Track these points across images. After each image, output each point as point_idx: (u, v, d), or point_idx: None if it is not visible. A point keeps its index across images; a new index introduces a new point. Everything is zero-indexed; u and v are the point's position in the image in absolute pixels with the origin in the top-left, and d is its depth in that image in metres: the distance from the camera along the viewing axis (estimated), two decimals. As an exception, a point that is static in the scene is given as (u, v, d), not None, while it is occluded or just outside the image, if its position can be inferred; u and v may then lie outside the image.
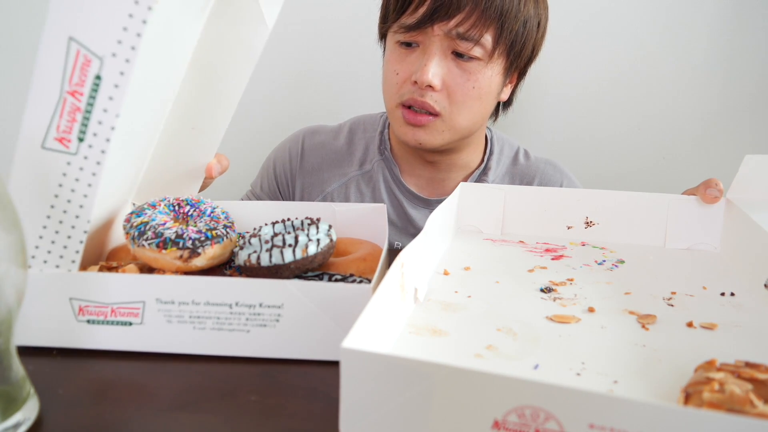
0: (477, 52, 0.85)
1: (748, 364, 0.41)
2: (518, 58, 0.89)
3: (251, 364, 0.51)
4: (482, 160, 1.03)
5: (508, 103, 1.01)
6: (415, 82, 0.86)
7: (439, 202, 0.97)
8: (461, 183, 0.77)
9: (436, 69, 0.85)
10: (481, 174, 1.02)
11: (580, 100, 1.34)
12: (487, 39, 0.84)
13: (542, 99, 1.33)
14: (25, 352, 0.50)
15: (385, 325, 0.46)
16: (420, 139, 0.90)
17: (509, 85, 0.96)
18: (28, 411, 0.42)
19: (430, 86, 0.85)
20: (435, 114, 0.87)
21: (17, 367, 0.42)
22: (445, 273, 0.62)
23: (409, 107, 0.88)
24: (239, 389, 0.47)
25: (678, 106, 1.32)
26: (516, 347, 0.47)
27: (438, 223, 0.64)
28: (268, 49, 1.35)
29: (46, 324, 0.52)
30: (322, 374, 0.49)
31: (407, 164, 1.02)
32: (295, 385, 0.48)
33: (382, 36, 0.95)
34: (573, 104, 1.34)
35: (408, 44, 0.88)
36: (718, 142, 1.33)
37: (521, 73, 0.96)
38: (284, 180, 1.06)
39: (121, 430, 0.42)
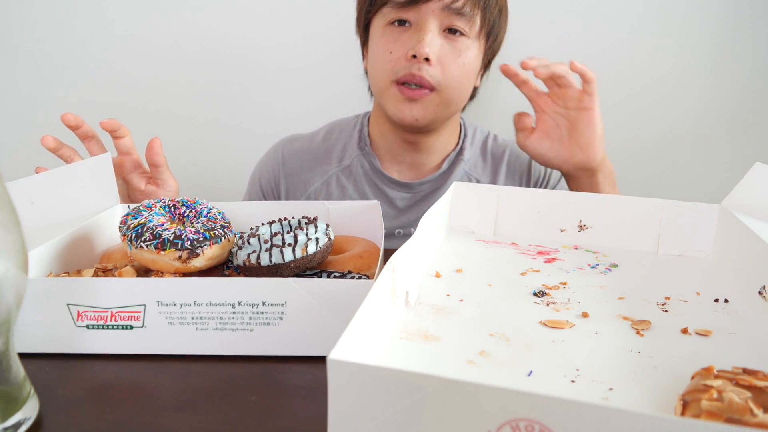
0: (468, 28, 0.88)
1: (745, 371, 0.39)
2: (494, 42, 0.94)
3: (251, 364, 0.50)
4: (457, 143, 1.05)
5: (475, 91, 1.02)
6: (413, 57, 0.86)
7: (421, 184, 1.01)
8: (455, 182, 0.76)
9: (432, 42, 0.86)
10: (457, 155, 1.03)
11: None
12: (477, 18, 0.88)
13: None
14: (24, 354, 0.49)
15: (376, 331, 0.43)
16: (416, 114, 0.90)
17: (481, 72, 0.99)
18: (28, 411, 0.41)
19: (427, 59, 0.86)
20: (431, 88, 0.88)
21: (17, 368, 0.41)
22: (437, 275, 0.60)
23: (404, 84, 0.89)
24: (239, 389, 0.46)
25: (676, 106, 1.30)
26: (509, 353, 0.44)
27: (430, 223, 0.62)
28: (261, 49, 1.34)
29: (44, 330, 0.50)
30: (322, 374, 0.47)
31: (388, 153, 1.03)
32: (295, 385, 0.47)
33: (366, 25, 0.96)
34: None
35: (401, 24, 0.88)
36: (717, 143, 1.31)
37: (488, 63, 0.99)
38: (270, 190, 1.07)
39: (121, 430, 0.41)
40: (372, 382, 0.31)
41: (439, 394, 0.30)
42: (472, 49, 0.90)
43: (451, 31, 0.88)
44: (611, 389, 0.40)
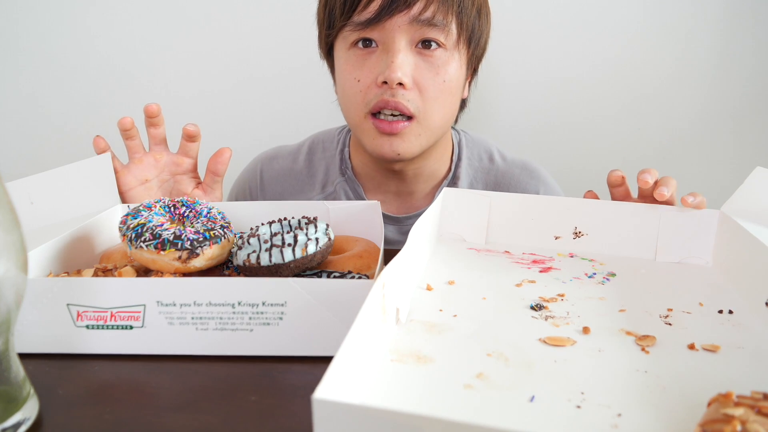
0: (444, 38, 0.76)
1: (766, 397, 0.36)
2: (477, 47, 0.82)
3: (251, 364, 0.49)
4: (449, 168, 0.93)
5: (463, 103, 0.91)
6: (384, 83, 0.75)
7: (409, 218, 0.92)
8: (444, 188, 0.72)
9: (404, 64, 0.74)
10: (450, 184, 0.91)
11: (576, 102, 1.29)
12: (452, 26, 0.76)
13: (536, 103, 1.28)
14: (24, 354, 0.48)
15: (366, 355, 0.40)
16: (398, 149, 0.79)
17: (467, 81, 0.88)
18: (28, 411, 0.41)
19: (401, 84, 0.74)
20: (410, 117, 0.77)
21: (17, 368, 0.41)
22: (428, 288, 0.57)
23: (378, 114, 0.77)
24: (239, 389, 0.46)
25: (675, 110, 1.28)
26: (508, 375, 0.42)
27: (421, 234, 0.59)
28: (254, 51, 1.32)
29: (44, 330, 0.49)
30: (322, 374, 0.46)
31: (371, 181, 0.93)
32: (295, 385, 0.46)
33: (329, 49, 0.84)
34: (569, 107, 1.30)
35: (366, 45, 0.77)
36: (717, 147, 1.29)
37: (474, 69, 0.88)
38: None
39: (121, 430, 0.41)
40: (362, 425, 0.28)
41: (438, 435, 0.28)
42: (452, 62, 0.77)
43: (425, 44, 0.75)
44: (620, 415, 0.37)
